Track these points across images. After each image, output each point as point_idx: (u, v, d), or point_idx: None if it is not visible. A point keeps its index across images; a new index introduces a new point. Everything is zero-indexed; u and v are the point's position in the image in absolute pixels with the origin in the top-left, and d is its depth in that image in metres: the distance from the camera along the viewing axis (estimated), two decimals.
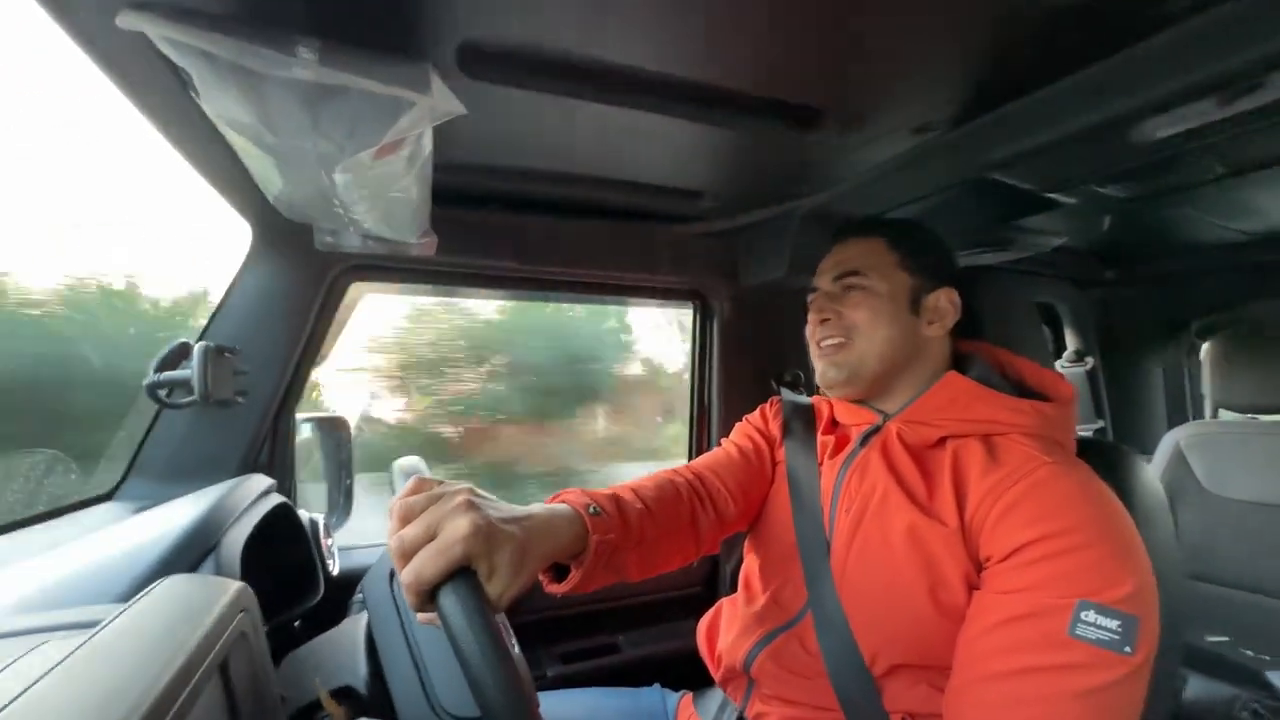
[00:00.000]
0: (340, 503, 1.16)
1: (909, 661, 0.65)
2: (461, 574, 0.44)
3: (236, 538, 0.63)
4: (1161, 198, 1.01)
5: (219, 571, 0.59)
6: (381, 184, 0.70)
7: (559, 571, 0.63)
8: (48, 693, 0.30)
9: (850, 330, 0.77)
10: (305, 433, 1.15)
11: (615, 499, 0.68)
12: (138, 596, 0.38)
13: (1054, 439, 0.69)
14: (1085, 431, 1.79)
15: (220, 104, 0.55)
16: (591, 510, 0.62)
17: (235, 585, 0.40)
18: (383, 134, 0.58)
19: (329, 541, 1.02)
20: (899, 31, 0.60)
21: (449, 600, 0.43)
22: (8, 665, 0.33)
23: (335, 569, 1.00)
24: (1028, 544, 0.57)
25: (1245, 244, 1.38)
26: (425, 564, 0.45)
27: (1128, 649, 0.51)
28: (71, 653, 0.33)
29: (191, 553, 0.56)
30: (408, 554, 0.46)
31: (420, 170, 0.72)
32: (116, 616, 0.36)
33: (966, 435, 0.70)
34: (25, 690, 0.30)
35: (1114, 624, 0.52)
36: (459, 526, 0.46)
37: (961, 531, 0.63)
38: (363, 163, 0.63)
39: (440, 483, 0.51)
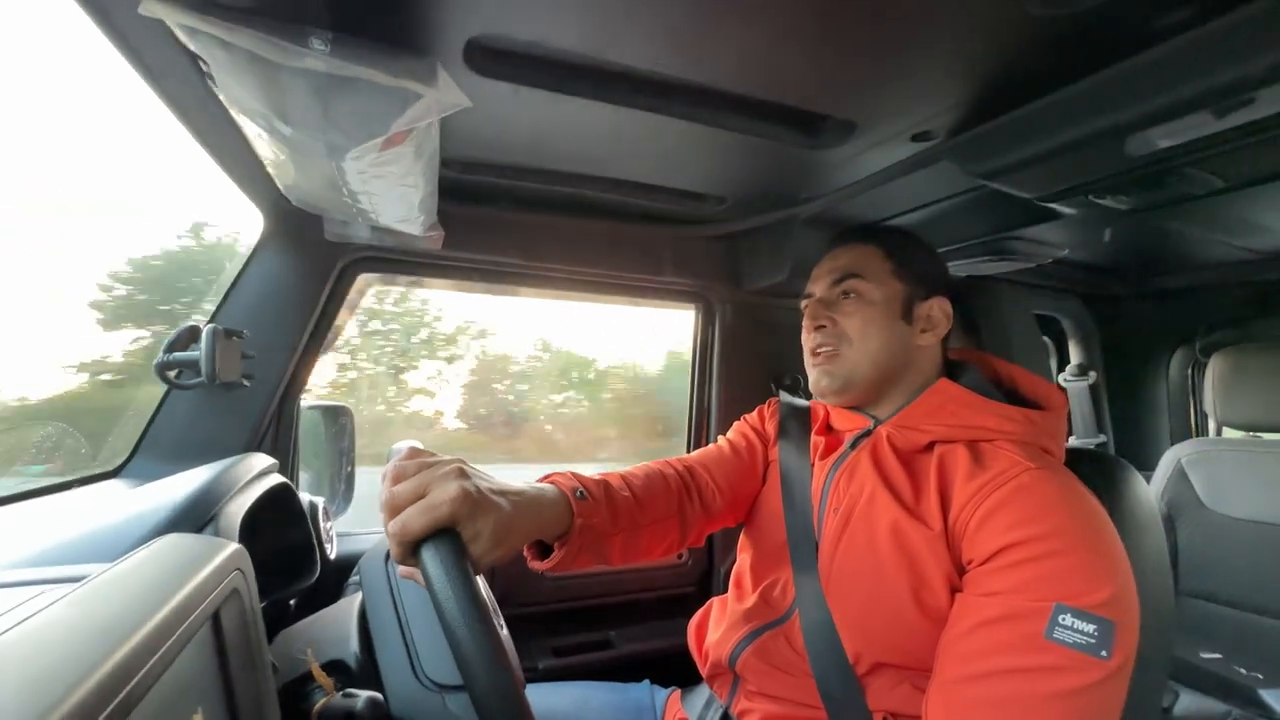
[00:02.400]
0: (341, 489, 1.18)
1: (892, 661, 0.65)
2: (445, 532, 0.46)
3: (236, 510, 0.64)
4: (1162, 211, 1.01)
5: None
6: (389, 175, 0.72)
7: (544, 550, 0.65)
8: (38, 629, 0.30)
9: (843, 338, 0.78)
10: (309, 420, 1.17)
11: (604, 485, 0.70)
12: (133, 551, 0.39)
13: (1041, 446, 0.69)
14: (1087, 446, 1.78)
15: (236, 93, 0.57)
16: (578, 494, 0.64)
17: (231, 545, 0.42)
18: (390, 125, 0.60)
19: (328, 525, 1.03)
20: (900, 39, 0.61)
21: (430, 554, 0.45)
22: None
23: (333, 553, 1.02)
24: (1008, 547, 0.58)
25: (1251, 262, 1.38)
26: (412, 518, 0.47)
27: (1104, 653, 0.51)
28: (62, 597, 0.33)
29: (189, 521, 0.57)
30: (397, 508, 0.48)
31: (427, 163, 0.74)
32: (111, 567, 0.37)
33: (954, 441, 0.70)
34: (13, 627, 0.30)
35: (1090, 628, 0.52)
36: (448, 489, 0.48)
37: (945, 535, 0.64)
38: (371, 153, 0.65)
39: (433, 454, 0.53)
